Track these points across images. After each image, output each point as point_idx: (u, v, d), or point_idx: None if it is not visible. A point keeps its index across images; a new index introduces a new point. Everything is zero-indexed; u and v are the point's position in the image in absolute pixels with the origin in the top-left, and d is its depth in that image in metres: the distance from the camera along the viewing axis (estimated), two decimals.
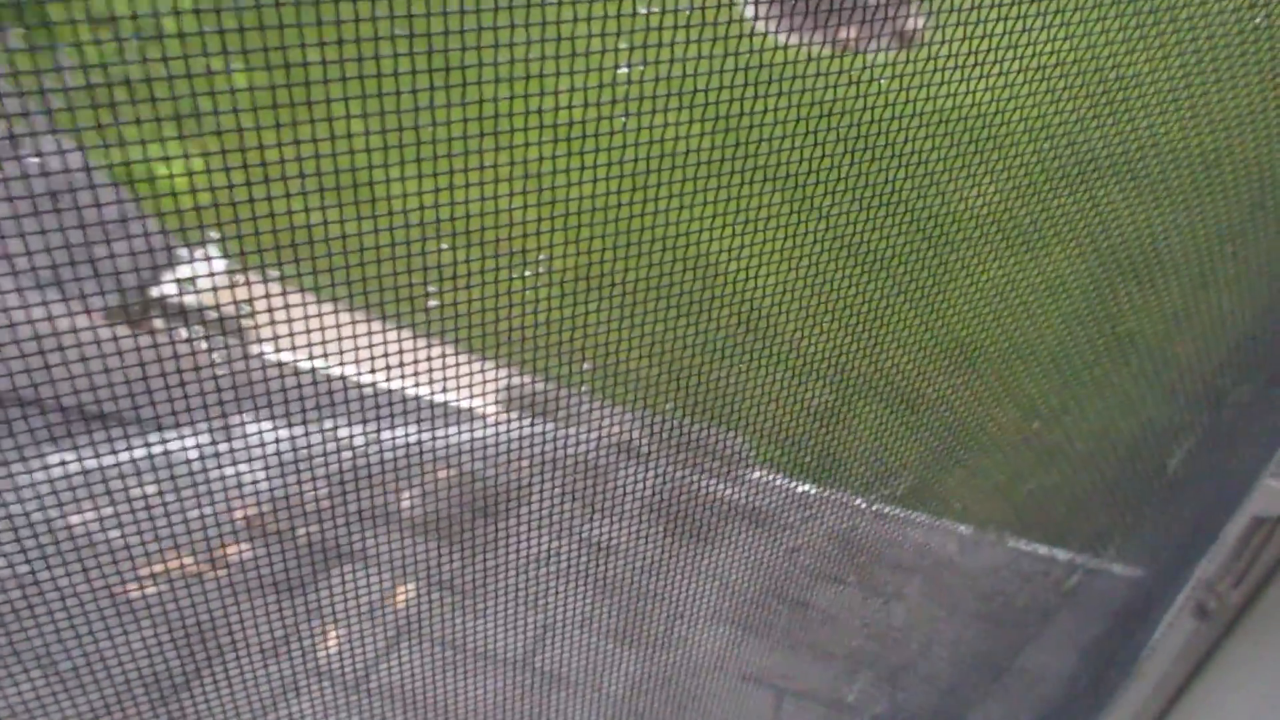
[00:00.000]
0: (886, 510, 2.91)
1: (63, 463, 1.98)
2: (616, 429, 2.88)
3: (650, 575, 2.70)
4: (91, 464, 2.00)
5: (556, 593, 2.50)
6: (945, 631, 3.32)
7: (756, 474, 2.79)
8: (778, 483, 2.83)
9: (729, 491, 2.81)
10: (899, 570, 3.04)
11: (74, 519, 1.93)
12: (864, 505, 2.85)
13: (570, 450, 2.81)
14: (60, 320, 1.91)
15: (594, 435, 2.85)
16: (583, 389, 2.53)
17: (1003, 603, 3.47)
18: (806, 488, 2.78)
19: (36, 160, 1.70)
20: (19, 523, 1.81)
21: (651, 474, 2.98)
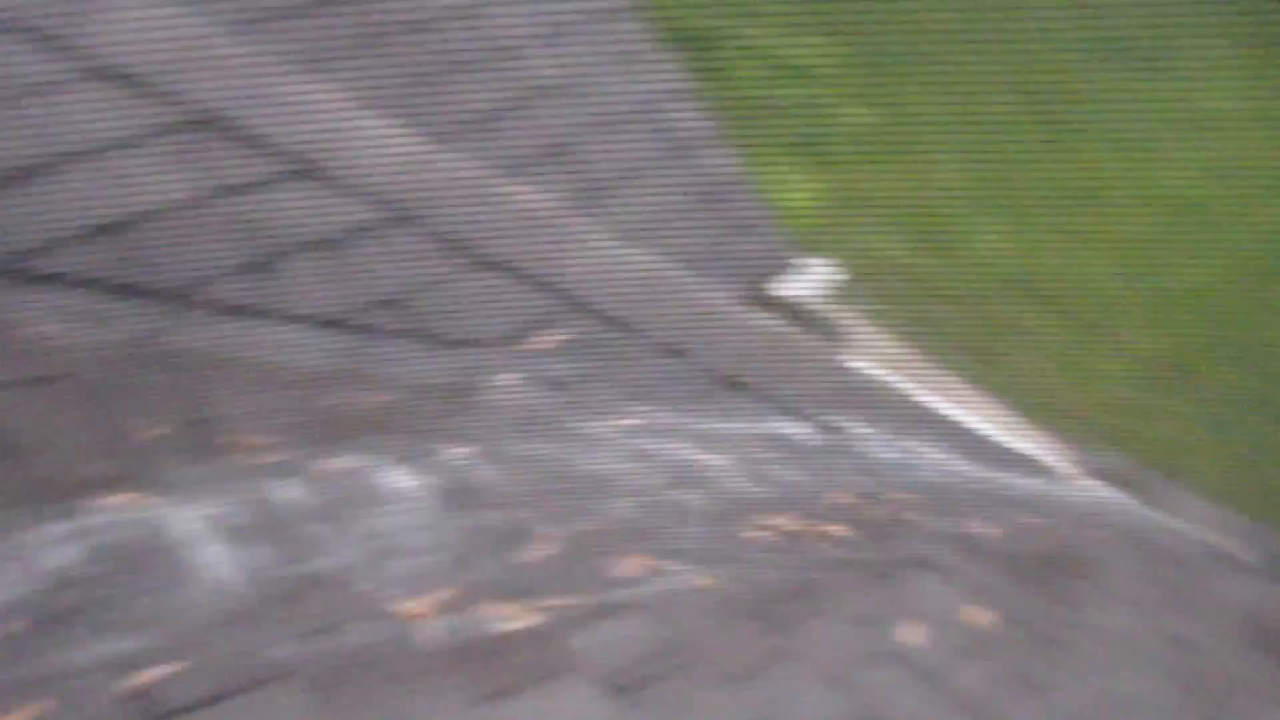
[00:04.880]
0: None
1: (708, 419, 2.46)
2: (1203, 527, 2.74)
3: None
4: (727, 425, 2.48)
5: (1128, 668, 2.35)
6: None
7: None
8: None
9: None
10: None
11: (710, 460, 2.37)
12: None
13: (1151, 537, 2.75)
14: (699, 297, 2.60)
15: (1182, 529, 2.74)
16: (1166, 477, 2.52)
17: None
18: None
19: (700, 166, 2.55)
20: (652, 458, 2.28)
21: (1247, 589, 2.79)
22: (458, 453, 1.78)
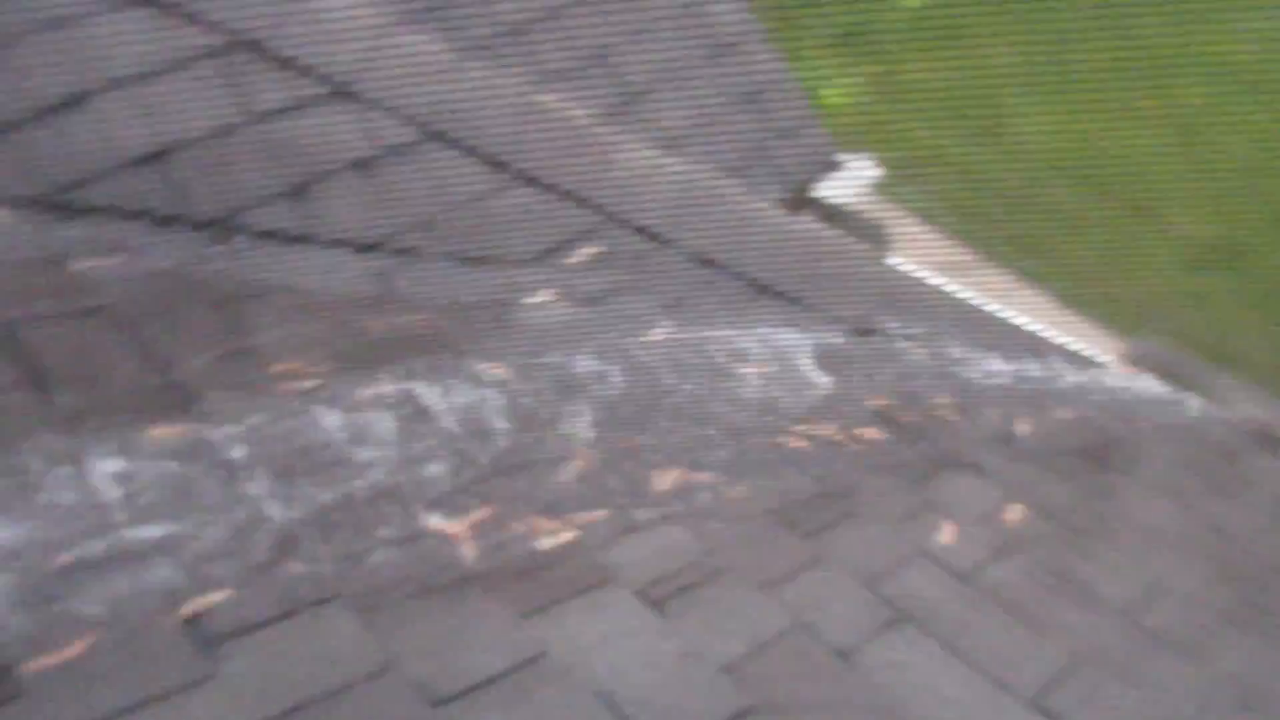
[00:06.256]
0: None
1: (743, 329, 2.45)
2: (1250, 412, 2.68)
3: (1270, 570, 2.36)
4: (765, 334, 2.44)
5: (1168, 559, 2.32)
6: None
7: None
8: None
9: None
10: None
11: (745, 370, 2.35)
12: None
13: (1193, 425, 2.68)
14: (735, 204, 2.52)
15: (1225, 415, 2.68)
16: (1212, 363, 2.44)
17: None
18: None
19: (740, 67, 2.43)
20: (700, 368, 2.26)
21: None
22: (494, 371, 1.78)
